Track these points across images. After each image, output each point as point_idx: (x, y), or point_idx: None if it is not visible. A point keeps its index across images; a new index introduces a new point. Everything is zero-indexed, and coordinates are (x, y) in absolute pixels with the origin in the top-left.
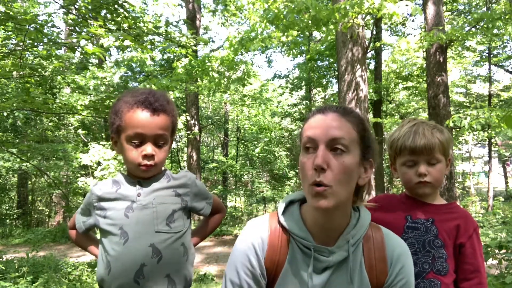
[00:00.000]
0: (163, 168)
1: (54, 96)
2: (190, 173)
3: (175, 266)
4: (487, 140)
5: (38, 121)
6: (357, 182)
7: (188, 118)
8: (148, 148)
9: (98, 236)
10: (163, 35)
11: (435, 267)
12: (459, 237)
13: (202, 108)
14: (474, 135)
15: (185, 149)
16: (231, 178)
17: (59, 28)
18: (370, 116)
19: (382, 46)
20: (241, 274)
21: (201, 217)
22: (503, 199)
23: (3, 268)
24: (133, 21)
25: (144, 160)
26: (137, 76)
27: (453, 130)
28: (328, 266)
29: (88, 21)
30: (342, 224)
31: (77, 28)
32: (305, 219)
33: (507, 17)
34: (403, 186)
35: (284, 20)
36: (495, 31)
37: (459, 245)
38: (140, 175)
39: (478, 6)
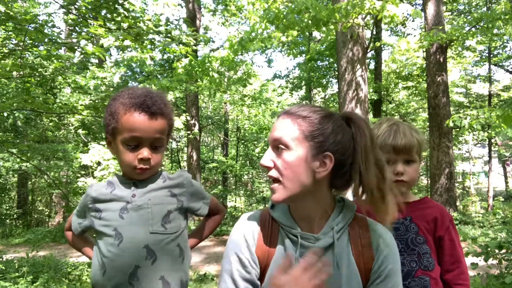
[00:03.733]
0: (159, 169)
1: (55, 96)
2: (187, 173)
3: (170, 267)
4: (487, 140)
5: (38, 121)
6: (315, 176)
7: (188, 118)
8: (145, 152)
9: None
10: (164, 34)
11: (422, 263)
12: (438, 230)
13: (202, 108)
14: (474, 135)
15: (185, 149)
16: (231, 178)
17: (59, 28)
18: (370, 116)
19: (382, 46)
20: (232, 262)
21: (201, 218)
22: (503, 199)
23: (3, 268)
24: (133, 21)
25: (140, 164)
26: (137, 76)
27: (453, 130)
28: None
29: (88, 21)
30: (323, 213)
31: (77, 28)
32: (291, 210)
33: (507, 17)
34: None
35: (284, 20)
36: (495, 31)
37: (438, 238)
38: (135, 178)
39: (478, 6)
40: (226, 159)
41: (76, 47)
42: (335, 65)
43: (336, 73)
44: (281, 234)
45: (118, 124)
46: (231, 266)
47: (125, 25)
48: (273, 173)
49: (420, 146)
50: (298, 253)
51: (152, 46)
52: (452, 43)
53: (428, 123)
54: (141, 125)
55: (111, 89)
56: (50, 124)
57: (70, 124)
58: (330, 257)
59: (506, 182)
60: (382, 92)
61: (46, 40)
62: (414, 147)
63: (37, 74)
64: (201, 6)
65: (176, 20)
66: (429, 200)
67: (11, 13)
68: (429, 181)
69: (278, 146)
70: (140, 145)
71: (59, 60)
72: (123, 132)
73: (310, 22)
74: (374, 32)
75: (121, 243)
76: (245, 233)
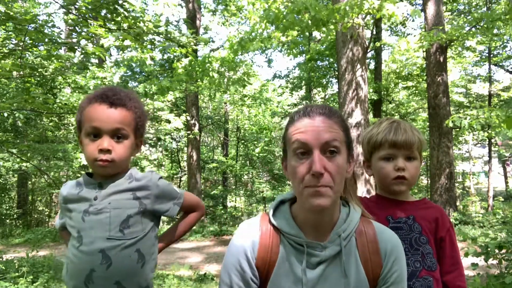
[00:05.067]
0: (132, 168)
1: (55, 96)
2: (155, 174)
3: (126, 273)
4: (487, 140)
5: (38, 121)
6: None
7: (188, 118)
8: (104, 142)
9: None
10: (163, 35)
11: (426, 264)
12: (439, 231)
13: (202, 108)
14: (474, 135)
15: (185, 149)
16: (231, 178)
17: (59, 28)
18: (370, 116)
19: (382, 46)
20: (232, 276)
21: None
22: (503, 199)
23: (3, 268)
24: (133, 21)
25: (100, 155)
26: (137, 76)
27: (453, 130)
28: (321, 261)
29: (88, 21)
30: (332, 220)
31: (77, 28)
32: (295, 217)
33: (507, 17)
34: (378, 183)
35: (284, 21)
36: (495, 31)
37: (440, 239)
38: (99, 172)
39: (478, 6)
40: (226, 159)
41: (76, 47)
42: (335, 65)
43: (336, 73)
44: (283, 243)
45: (81, 117)
46: (230, 281)
47: (125, 25)
48: (328, 179)
49: (421, 144)
50: (305, 263)
51: (152, 46)
52: (452, 43)
53: (428, 123)
54: (100, 114)
55: None
56: (50, 124)
57: (70, 124)
58: (338, 264)
59: (506, 182)
60: (382, 92)
61: (46, 40)
62: (414, 143)
63: (37, 74)
64: (201, 6)
65: (176, 21)
66: (428, 201)
67: (11, 13)
68: (429, 181)
69: (329, 149)
70: (100, 135)
71: (59, 60)
72: (85, 123)
73: (310, 22)
74: (374, 32)
75: (80, 246)
76: (244, 246)
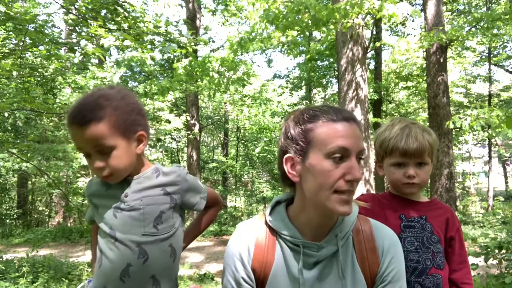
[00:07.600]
0: (155, 163)
1: (55, 96)
2: (181, 169)
3: (161, 267)
4: (487, 140)
5: (38, 121)
6: None
7: (188, 118)
8: (96, 162)
9: None
10: (163, 35)
11: (436, 262)
12: (449, 231)
13: (202, 108)
14: (474, 135)
15: (185, 149)
16: (231, 178)
17: (59, 28)
18: (370, 116)
19: (382, 46)
20: (228, 277)
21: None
22: (503, 199)
23: (3, 268)
24: (133, 21)
25: (99, 173)
26: (137, 76)
27: (453, 130)
28: (318, 261)
29: (88, 21)
30: (332, 221)
31: (77, 28)
32: (293, 218)
33: (507, 17)
34: (390, 184)
35: (284, 20)
36: (495, 31)
37: (450, 238)
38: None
39: (478, 6)
40: (226, 159)
41: (76, 47)
42: (335, 65)
43: (336, 73)
44: (280, 243)
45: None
46: (227, 283)
47: (125, 25)
48: (356, 186)
49: (432, 149)
50: (301, 263)
51: (152, 46)
52: (452, 43)
53: (428, 123)
54: (77, 138)
55: None
56: (50, 124)
57: None
58: (335, 265)
59: (506, 182)
60: (382, 92)
61: (46, 40)
62: (425, 150)
63: (37, 74)
64: (201, 6)
65: (176, 21)
66: (438, 202)
67: (11, 13)
68: (429, 181)
69: (359, 157)
70: (90, 156)
71: (59, 60)
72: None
73: (310, 22)
74: (374, 32)
75: (116, 241)
76: (240, 248)
